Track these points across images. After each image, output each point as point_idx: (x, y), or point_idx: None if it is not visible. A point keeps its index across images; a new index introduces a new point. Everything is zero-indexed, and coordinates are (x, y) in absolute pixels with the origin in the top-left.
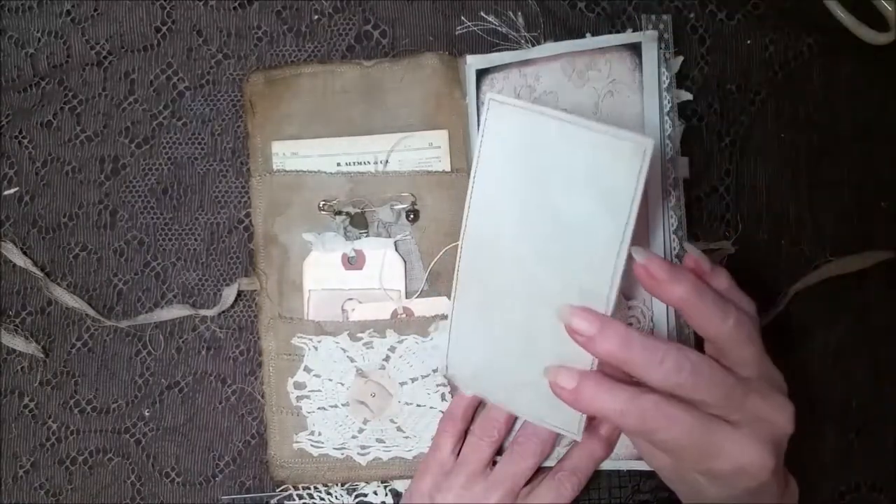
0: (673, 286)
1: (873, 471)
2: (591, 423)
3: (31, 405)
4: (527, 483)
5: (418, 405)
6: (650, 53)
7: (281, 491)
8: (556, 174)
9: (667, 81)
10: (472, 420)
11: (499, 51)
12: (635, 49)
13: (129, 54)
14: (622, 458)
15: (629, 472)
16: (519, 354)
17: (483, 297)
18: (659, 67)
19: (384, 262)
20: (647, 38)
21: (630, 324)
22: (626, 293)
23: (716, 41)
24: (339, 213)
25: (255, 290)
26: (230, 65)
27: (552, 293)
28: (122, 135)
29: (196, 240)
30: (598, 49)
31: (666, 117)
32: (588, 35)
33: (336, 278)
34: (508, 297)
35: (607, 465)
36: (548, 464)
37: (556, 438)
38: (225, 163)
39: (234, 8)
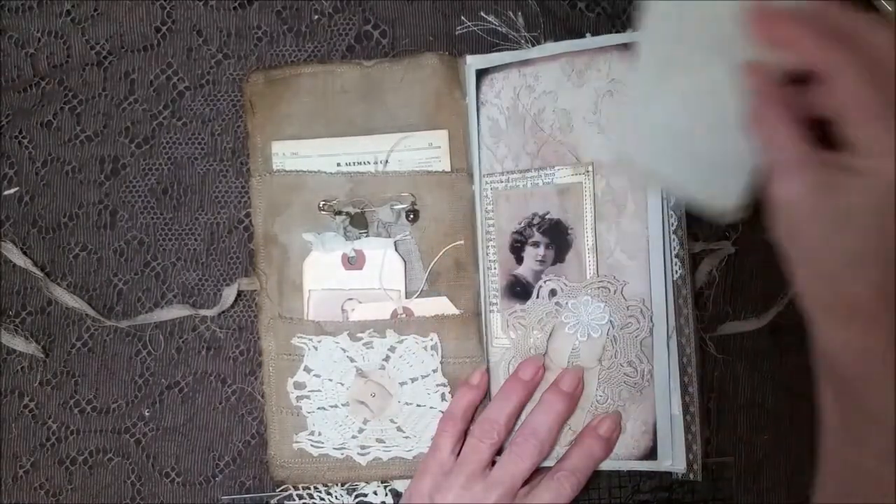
0: None
1: None
2: (591, 423)
3: (31, 405)
4: (526, 482)
5: (418, 405)
6: None
7: (281, 491)
8: None
9: None
10: (471, 420)
11: (499, 51)
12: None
13: (129, 54)
14: (622, 458)
15: (629, 472)
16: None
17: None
18: None
19: (384, 262)
20: None
21: (629, 324)
22: (626, 292)
23: None
24: (339, 213)
25: (255, 290)
26: (230, 65)
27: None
28: (122, 135)
29: (196, 240)
30: (598, 49)
31: None
32: (588, 35)
33: (336, 278)
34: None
35: (607, 466)
36: (547, 464)
37: (555, 438)
38: (225, 163)
39: (234, 8)
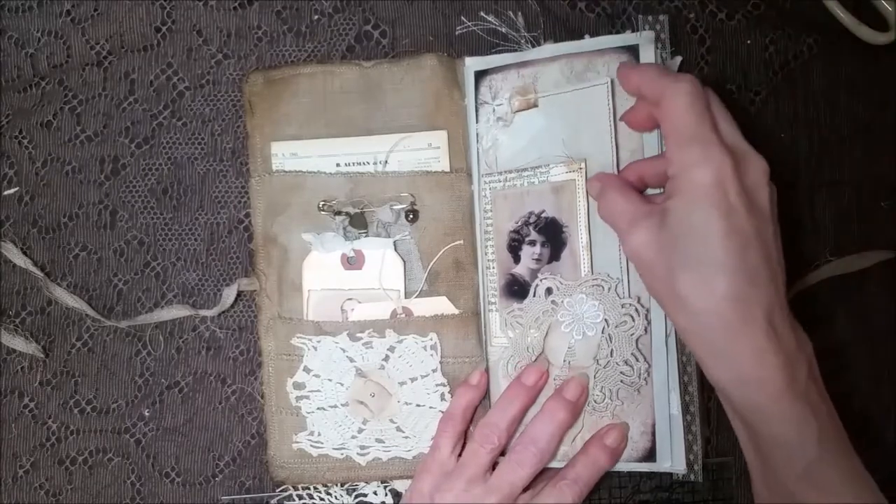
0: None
1: (873, 471)
2: (598, 432)
3: (31, 405)
4: (530, 486)
5: (418, 405)
6: (647, 55)
7: (281, 491)
8: None
9: None
10: (471, 420)
11: (499, 51)
12: (633, 51)
13: (129, 54)
14: (621, 460)
15: (629, 472)
16: None
17: None
18: None
19: (383, 262)
20: (644, 40)
21: (624, 321)
22: (621, 290)
23: (716, 41)
24: (338, 213)
25: (254, 291)
26: (230, 65)
27: None
28: (122, 135)
29: (196, 240)
30: (597, 51)
31: None
32: (587, 36)
33: (335, 278)
34: None
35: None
36: (555, 464)
37: (556, 446)
38: (225, 163)
39: (234, 8)
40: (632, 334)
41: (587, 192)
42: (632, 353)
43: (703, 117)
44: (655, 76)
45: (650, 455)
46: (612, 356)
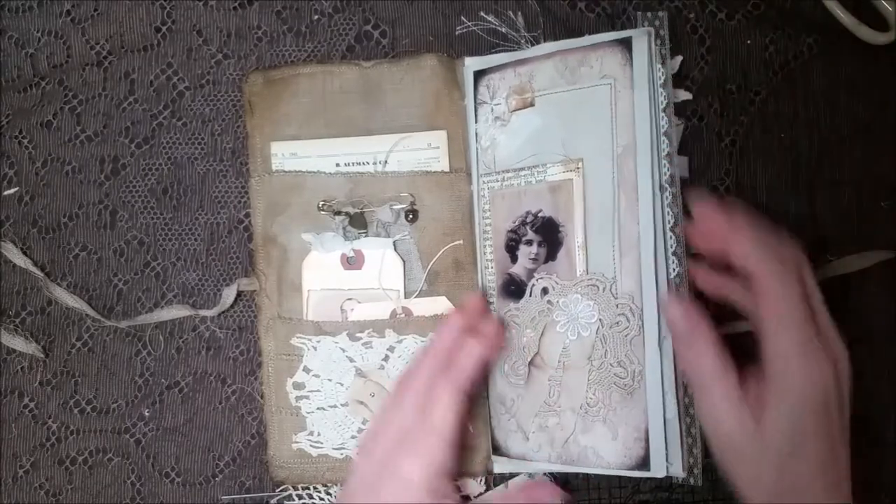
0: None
1: (873, 471)
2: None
3: (31, 405)
4: None
5: None
6: (640, 48)
7: (281, 491)
8: None
9: (662, 78)
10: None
11: (499, 51)
12: (626, 44)
13: (129, 54)
14: (613, 468)
15: None
16: None
17: None
18: (652, 63)
19: (383, 261)
20: (638, 33)
21: (618, 322)
22: (616, 289)
23: (716, 41)
24: (338, 213)
25: (254, 291)
26: (230, 65)
27: None
28: (122, 135)
29: (196, 240)
30: (590, 45)
31: (662, 114)
32: (586, 35)
33: (335, 278)
34: None
35: (607, 471)
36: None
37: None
38: (225, 163)
39: (234, 8)
40: (626, 335)
41: (668, 319)
42: (625, 355)
43: (807, 313)
44: (754, 248)
45: (644, 464)
46: (605, 357)
